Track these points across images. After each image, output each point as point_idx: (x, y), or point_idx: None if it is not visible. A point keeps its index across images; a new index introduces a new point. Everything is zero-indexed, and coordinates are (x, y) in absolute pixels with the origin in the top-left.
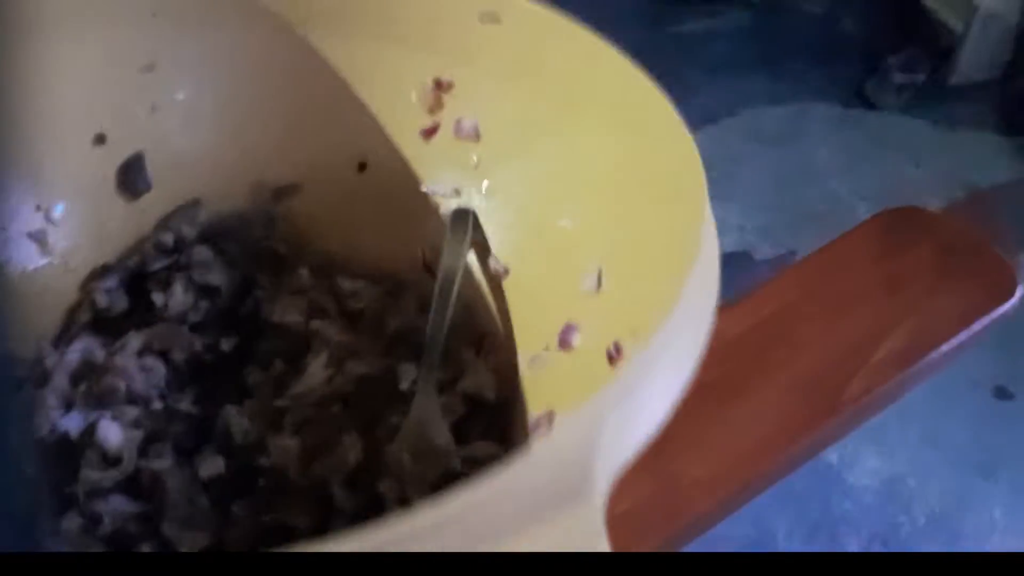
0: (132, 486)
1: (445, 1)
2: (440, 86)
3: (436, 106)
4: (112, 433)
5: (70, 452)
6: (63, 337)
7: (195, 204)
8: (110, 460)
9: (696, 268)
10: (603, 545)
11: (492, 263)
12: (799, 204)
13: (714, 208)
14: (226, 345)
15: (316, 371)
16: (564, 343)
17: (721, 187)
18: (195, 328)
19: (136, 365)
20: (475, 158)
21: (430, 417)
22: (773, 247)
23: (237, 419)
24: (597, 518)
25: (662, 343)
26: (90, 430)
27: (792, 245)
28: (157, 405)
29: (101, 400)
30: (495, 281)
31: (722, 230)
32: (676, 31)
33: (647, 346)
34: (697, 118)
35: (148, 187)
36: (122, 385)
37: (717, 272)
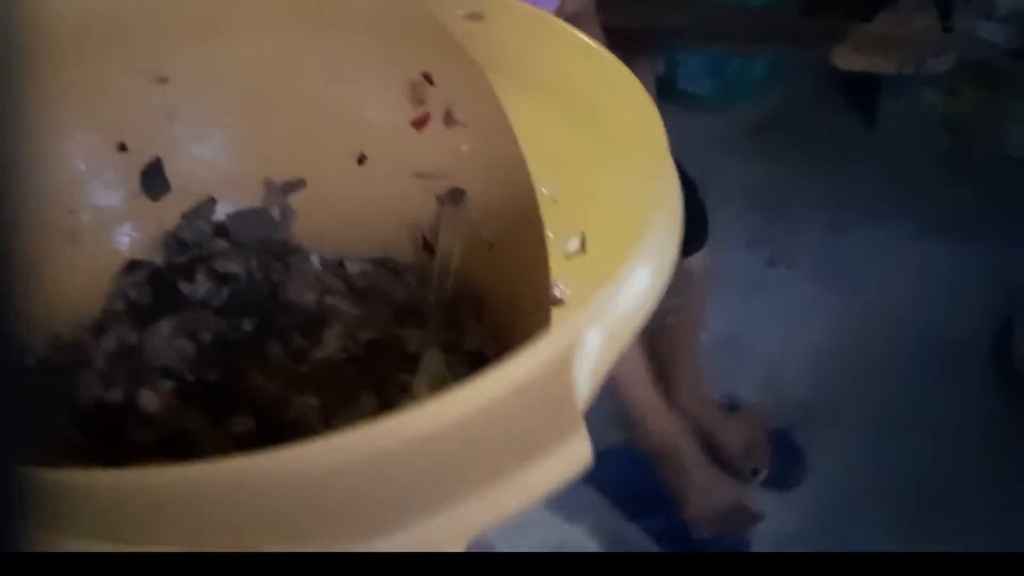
0: (171, 446)
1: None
2: (428, 79)
3: (425, 98)
4: (151, 401)
5: (112, 420)
6: (100, 326)
7: (211, 202)
8: (149, 424)
9: (657, 215)
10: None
11: (486, 235)
12: None
13: None
14: (248, 324)
15: (331, 340)
16: (554, 300)
17: None
18: (218, 312)
19: (168, 345)
20: (464, 143)
21: (437, 374)
22: None
23: (262, 383)
24: (586, 446)
25: (623, 279)
26: (131, 400)
27: None
28: (189, 377)
29: (138, 377)
30: (489, 252)
31: None
32: None
33: (612, 282)
34: None
35: (168, 188)
36: (157, 362)
37: (679, 215)
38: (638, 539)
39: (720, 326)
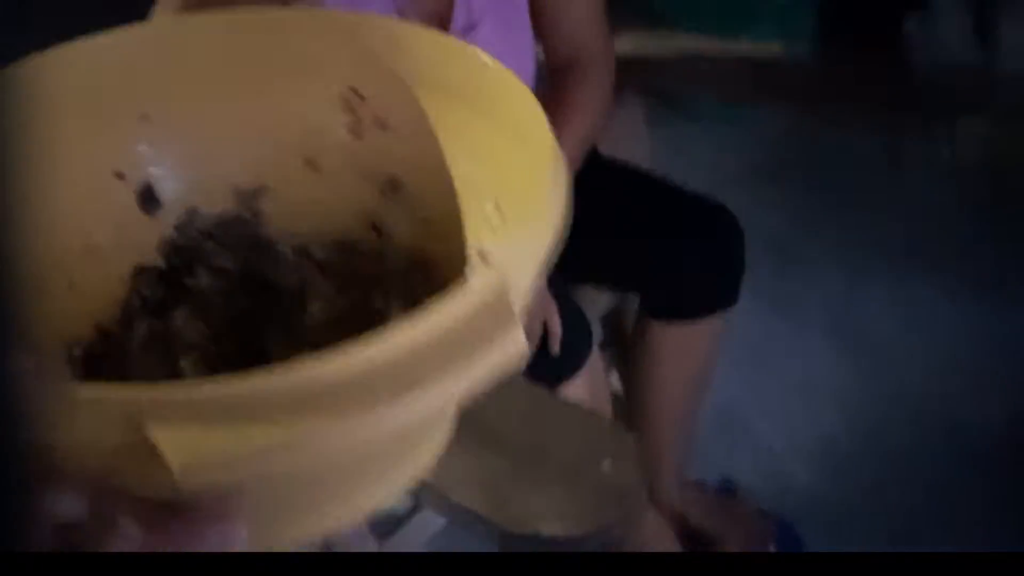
0: None
1: (357, 31)
2: (357, 93)
3: (357, 108)
4: (191, 367)
5: None
6: (125, 319)
7: (195, 211)
8: None
9: (552, 185)
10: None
11: (421, 214)
12: None
13: None
14: (247, 304)
15: (316, 311)
16: (484, 257)
17: None
18: (221, 298)
19: (188, 328)
20: (395, 144)
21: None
22: None
23: (272, 347)
24: (521, 336)
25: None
26: (173, 369)
27: None
28: (213, 349)
29: (173, 352)
30: (427, 227)
31: None
32: None
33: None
34: None
35: (160, 205)
36: (184, 341)
37: (565, 181)
38: None
39: (715, 394)
